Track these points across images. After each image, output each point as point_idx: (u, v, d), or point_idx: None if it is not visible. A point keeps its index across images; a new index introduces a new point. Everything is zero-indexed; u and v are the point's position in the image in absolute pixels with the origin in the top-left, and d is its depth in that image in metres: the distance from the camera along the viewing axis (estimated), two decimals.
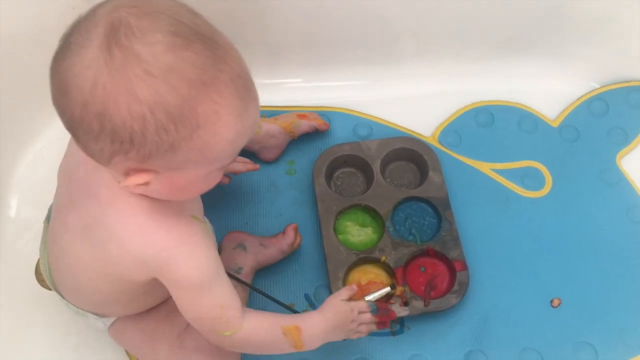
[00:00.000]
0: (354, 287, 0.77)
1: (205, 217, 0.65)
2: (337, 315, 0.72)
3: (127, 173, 0.52)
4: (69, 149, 0.67)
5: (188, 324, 0.75)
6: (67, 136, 0.67)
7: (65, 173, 0.65)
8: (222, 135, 0.51)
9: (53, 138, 0.97)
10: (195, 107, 0.48)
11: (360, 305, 0.75)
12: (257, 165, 0.88)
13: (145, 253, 0.58)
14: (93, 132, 0.49)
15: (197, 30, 0.49)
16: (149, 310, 0.75)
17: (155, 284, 0.64)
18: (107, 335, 0.79)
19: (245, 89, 0.52)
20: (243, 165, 0.88)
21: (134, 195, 0.57)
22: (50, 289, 0.77)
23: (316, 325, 0.70)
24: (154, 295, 0.73)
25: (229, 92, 0.50)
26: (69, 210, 0.63)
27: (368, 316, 0.75)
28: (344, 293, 0.75)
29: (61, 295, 0.73)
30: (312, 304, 0.86)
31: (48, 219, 0.74)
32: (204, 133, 0.50)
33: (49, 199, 0.74)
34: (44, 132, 0.98)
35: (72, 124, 0.50)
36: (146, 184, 0.53)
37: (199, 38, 0.49)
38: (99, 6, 0.49)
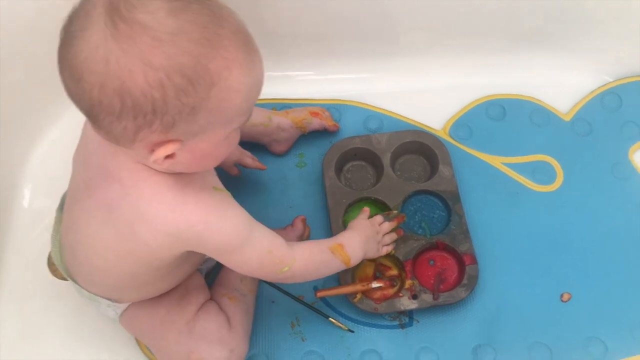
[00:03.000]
0: (367, 209, 0.86)
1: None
2: (363, 228, 0.81)
3: (152, 149, 0.54)
4: (82, 138, 0.67)
5: (197, 312, 0.76)
6: (79, 127, 0.68)
7: (81, 161, 0.66)
8: (235, 89, 0.53)
9: (66, 129, 0.98)
10: (207, 64, 0.50)
11: (377, 218, 0.84)
12: (265, 166, 0.91)
13: (178, 229, 0.59)
14: (115, 111, 0.50)
15: None
16: (160, 298, 0.76)
17: (179, 263, 0.68)
18: (118, 325, 0.80)
19: (247, 42, 0.53)
20: (252, 161, 0.90)
21: (157, 174, 0.59)
22: (63, 279, 0.78)
23: (353, 239, 0.78)
24: (170, 279, 0.74)
25: (234, 47, 0.51)
26: (87, 196, 0.63)
27: (386, 225, 0.84)
28: (361, 216, 0.84)
29: (75, 281, 0.73)
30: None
31: (61, 208, 0.75)
32: (220, 90, 0.51)
33: (62, 190, 0.75)
34: (56, 123, 0.98)
35: (92, 109, 0.51)
36: (173, 156, 0.55)
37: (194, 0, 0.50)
38: None
